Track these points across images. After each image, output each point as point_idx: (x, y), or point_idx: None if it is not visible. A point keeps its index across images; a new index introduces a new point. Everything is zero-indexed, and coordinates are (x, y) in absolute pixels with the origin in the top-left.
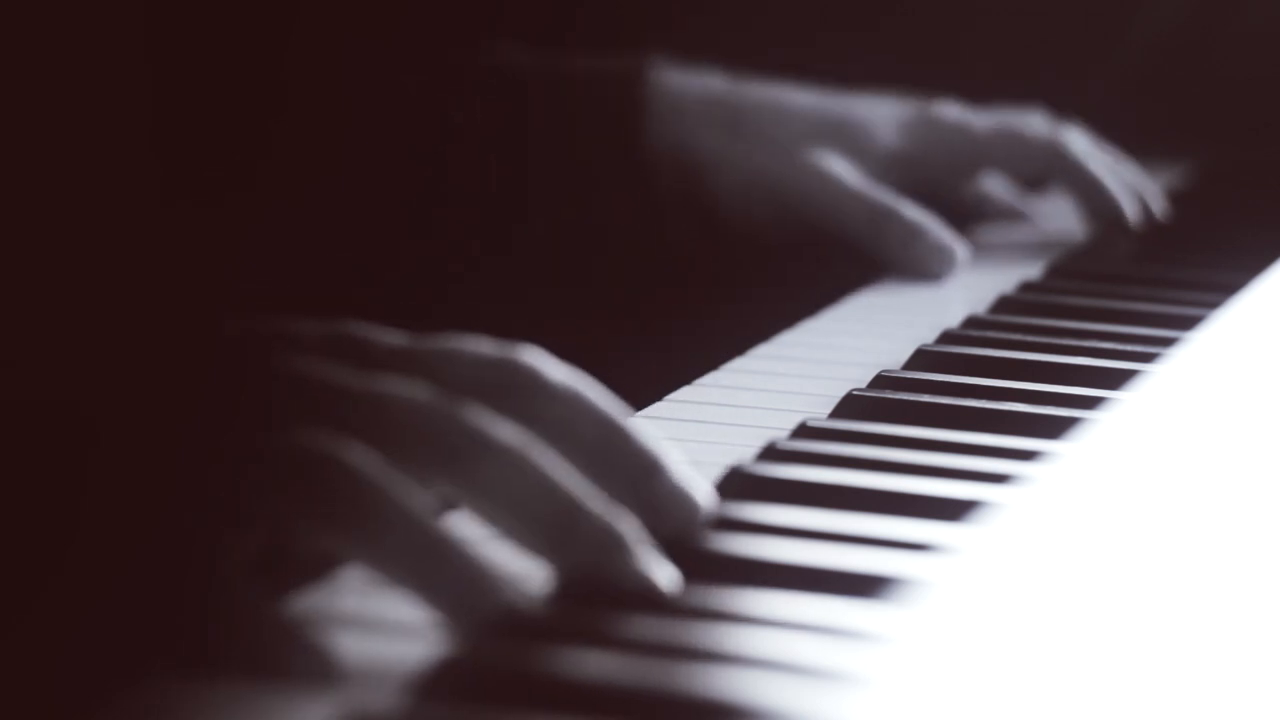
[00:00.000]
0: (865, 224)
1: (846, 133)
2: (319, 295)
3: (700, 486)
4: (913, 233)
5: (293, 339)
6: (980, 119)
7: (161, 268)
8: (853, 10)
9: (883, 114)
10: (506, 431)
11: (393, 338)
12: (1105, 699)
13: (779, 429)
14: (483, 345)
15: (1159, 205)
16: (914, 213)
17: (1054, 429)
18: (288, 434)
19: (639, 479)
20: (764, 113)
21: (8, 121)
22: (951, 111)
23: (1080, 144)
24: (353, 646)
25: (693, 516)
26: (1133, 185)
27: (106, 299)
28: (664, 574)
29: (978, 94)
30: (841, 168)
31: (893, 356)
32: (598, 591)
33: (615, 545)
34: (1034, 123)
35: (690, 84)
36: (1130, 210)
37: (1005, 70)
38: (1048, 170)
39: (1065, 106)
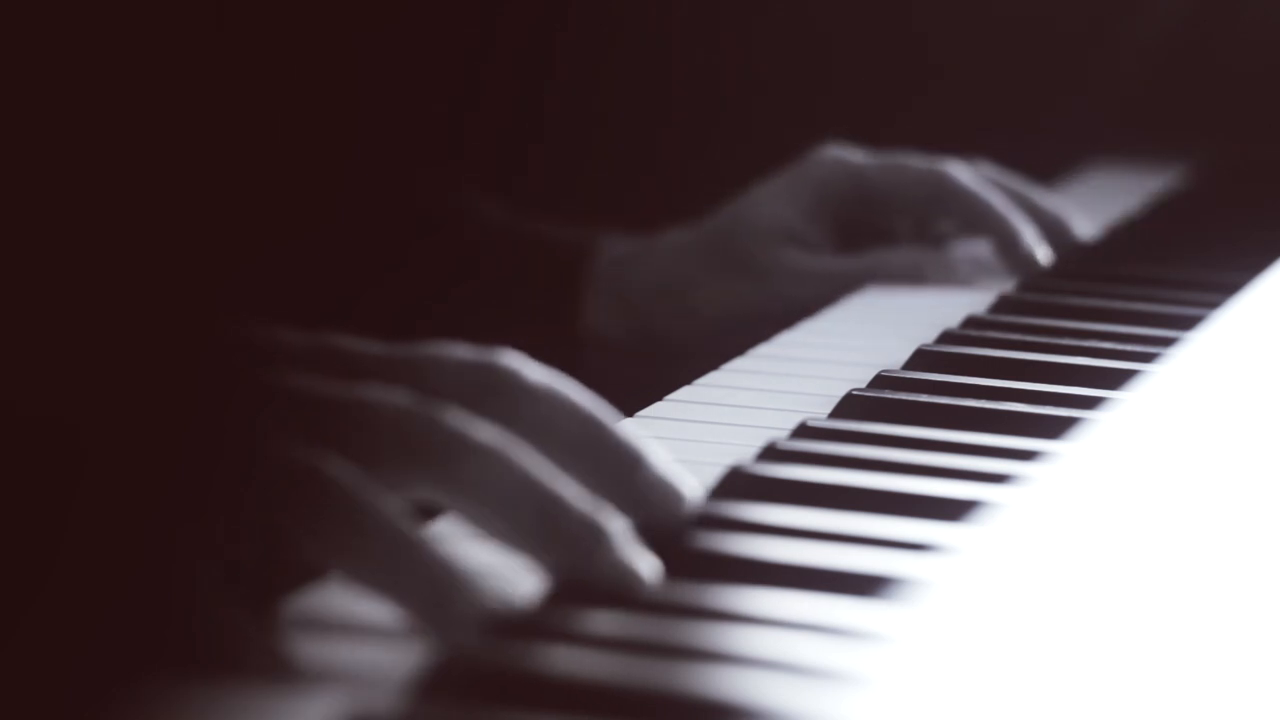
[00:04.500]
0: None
1: (768, 232)
2: (308, 309)
3: (684, 479)
4: (915, 271)
5: (275, 349)
6: (865, 155)
7: (151, 278)
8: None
9: (772, 199)
10: (486, 432)
11: (374, 346)
12: (1105, 698)
13: (779, 429)
14: (462, 350)
15: (1079, 227)
16: (899, 255)
17: (1054, 429)
18: (270, 444)
19: (622, 473)
20: (704, 254)
21: (1, 126)
22: (835, 150)
23: (965, 174)
24: (348, 648)
25: (677, 507)
26: (1047, 211)
27: (95, 309)
28: (646, 568)
29: (979, 96)
30: (802, 259)
31: (893, 356)
32: (597, 591)
33: (598, 540)
34: (918, 158)
35: (634, 263)
36: (1028, 241)
37: (1006, 71)
38: (935, 200)
39: (1066, 106)
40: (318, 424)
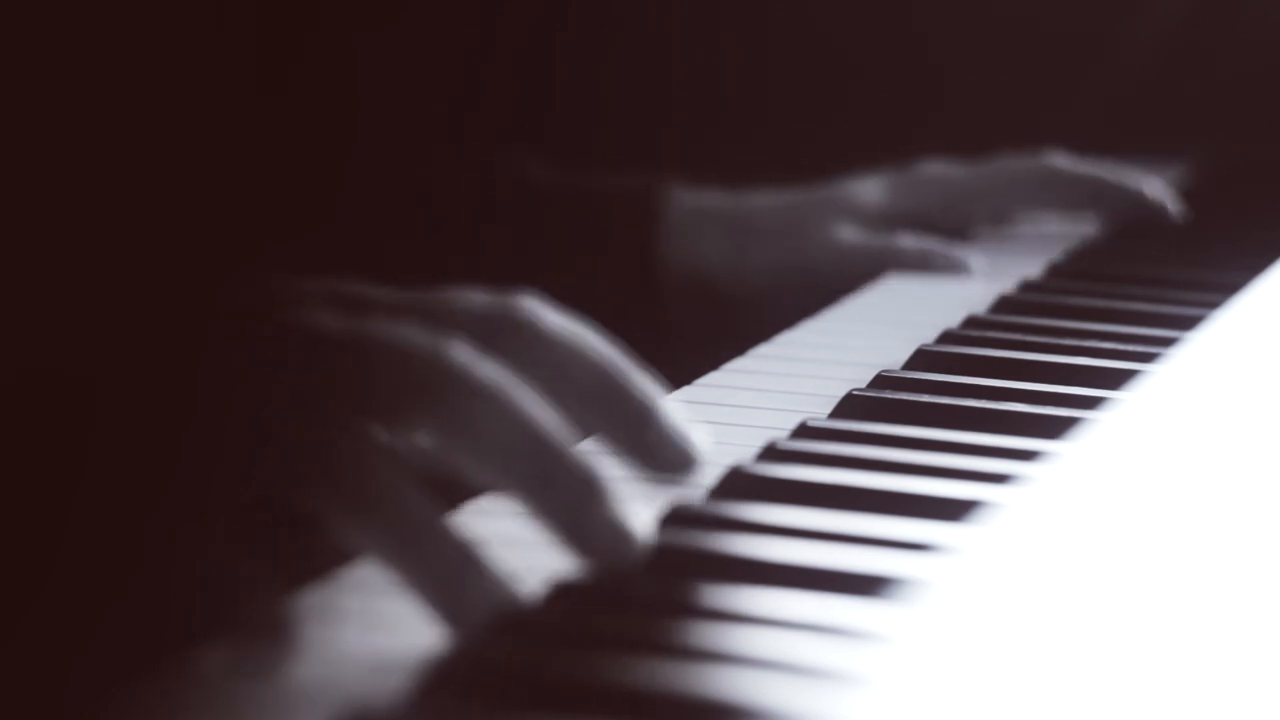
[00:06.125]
0: (876, 269)
1: (836, 204)
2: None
3: (695, 434)
4: (922, 261)
5: (283, 294)
6: (962, 168)
7: (163, 240)
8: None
9: (869, 184)
10: (490, 372)
11: (383, 291)
12: (1105, 698)
13: (779, 429)
14: (478, 294)
15: (1172, 202)
16: (912, 242)
17: (1054, 429)
18: (284, 409)
19: (633, 425)
20: (766, 215)
21: (12, 103)
22: (934, 166)
23: (1064, 160)
24: (355, 643)
25: (685, 462)
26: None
27: (104, 271)
28: (640, 526)
29: (979, 96)
30: (843, 231)
31: (893, 356)
32: (598, 591)
33: (593, 494)
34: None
35: (699, 202)
36: (1153, 192)
37: (1007, 71)
38: (1047, 189)
39: (1066, 106)
40: (317, 360)
